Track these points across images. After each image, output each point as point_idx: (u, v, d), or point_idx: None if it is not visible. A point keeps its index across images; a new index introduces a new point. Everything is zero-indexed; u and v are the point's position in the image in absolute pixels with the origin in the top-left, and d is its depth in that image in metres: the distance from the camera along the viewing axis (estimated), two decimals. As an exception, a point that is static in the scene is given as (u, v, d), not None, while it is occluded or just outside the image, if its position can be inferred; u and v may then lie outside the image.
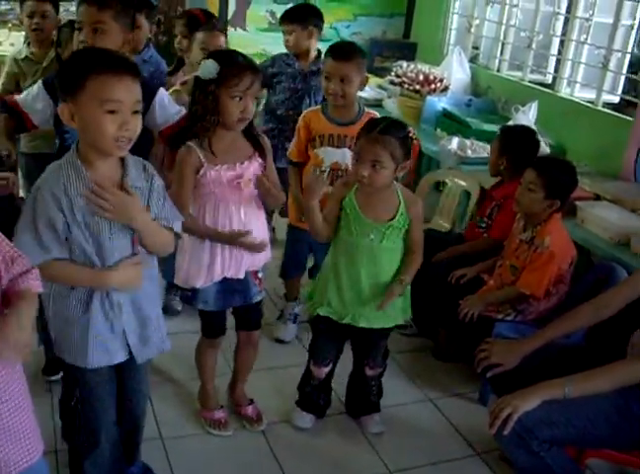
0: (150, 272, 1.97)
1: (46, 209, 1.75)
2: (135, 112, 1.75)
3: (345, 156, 2.89)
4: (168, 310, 3.22)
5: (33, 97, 2.47)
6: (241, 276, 2.39)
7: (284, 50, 3.74)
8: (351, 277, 2.43)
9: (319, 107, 3.03)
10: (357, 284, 2.44)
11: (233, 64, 2.18)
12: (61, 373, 2.53)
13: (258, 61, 2.81)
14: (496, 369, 2.35)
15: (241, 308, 2.53)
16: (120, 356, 1.98)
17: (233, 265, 2.35)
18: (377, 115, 2.97)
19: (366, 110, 3.00)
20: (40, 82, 2.51)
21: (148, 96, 2.33)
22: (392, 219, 2.39)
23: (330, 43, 3.02)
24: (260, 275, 2.49)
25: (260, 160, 2.33)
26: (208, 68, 2.16)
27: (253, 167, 2.31)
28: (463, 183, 3.77)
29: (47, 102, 2.43)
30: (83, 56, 1.84)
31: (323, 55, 3.14)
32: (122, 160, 1.84)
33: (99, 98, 1.69)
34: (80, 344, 1.90)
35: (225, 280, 2.38)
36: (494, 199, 3.23)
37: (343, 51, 2.87)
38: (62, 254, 1.80)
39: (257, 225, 2.38)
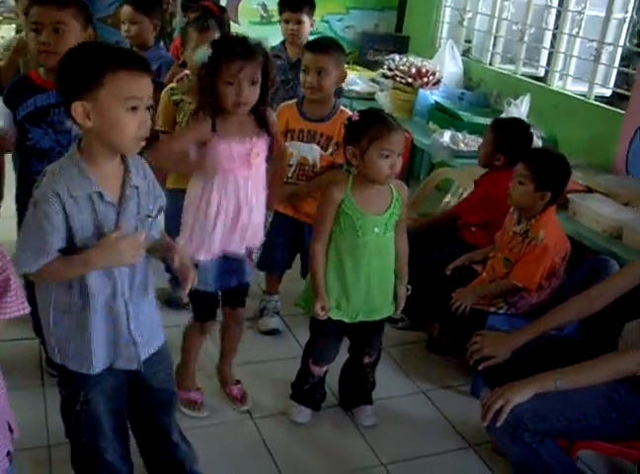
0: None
1: (50, 214, 1.65)
2: (148, 108, 1.69)
3: (313, 152, 2.91)
4: (172, 303, 3.19)
5: None
6: (242, 250, 2.41)
7: (275, 44, 3.72)
8: (361, 276, 2.42)
9: (295, 101, 3.02)
10: (368, 281, 2.44)
11: (223, 50, 2.20)
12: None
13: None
14: (488, 362, 2.35)
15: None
16: (126, 362, 1.87)
17: (234, 239, 2.37)
18: (350, 113, 2.97)
19: (341, 107, 2.99)
20: None
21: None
22: (389, 208, 2.41)
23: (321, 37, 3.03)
24: (253, 256, 2.50)
25: (267, 136, 2.37)
26: (201, 54, 2.22)
27: (261, 142, 2.34)
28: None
29: (9, 115, 2.43)
30: (92, 52, 1.69)
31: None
32: (123, 158, 1.77)
33: (120, 95, 1.62)
34: (84, 346, 1.80)
35: (224, 260, 2.40)
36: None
37: (321, 44, 2.91)
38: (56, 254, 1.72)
39: (258, 206, 2.40)
